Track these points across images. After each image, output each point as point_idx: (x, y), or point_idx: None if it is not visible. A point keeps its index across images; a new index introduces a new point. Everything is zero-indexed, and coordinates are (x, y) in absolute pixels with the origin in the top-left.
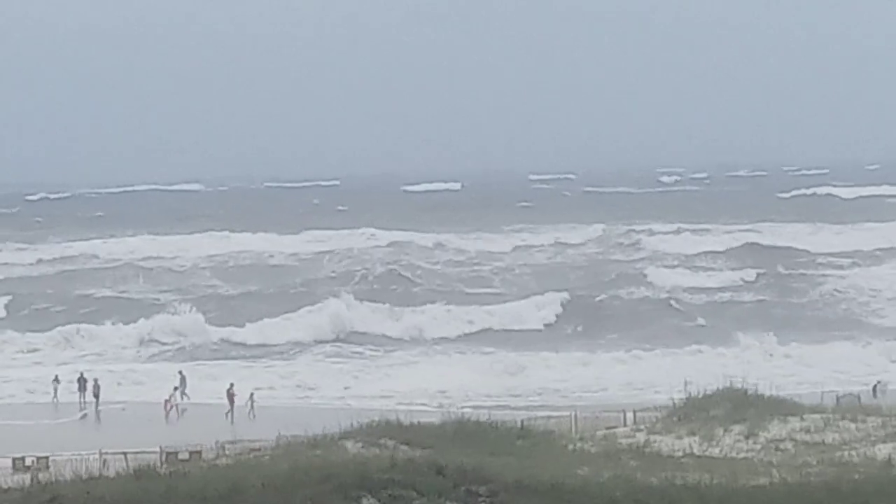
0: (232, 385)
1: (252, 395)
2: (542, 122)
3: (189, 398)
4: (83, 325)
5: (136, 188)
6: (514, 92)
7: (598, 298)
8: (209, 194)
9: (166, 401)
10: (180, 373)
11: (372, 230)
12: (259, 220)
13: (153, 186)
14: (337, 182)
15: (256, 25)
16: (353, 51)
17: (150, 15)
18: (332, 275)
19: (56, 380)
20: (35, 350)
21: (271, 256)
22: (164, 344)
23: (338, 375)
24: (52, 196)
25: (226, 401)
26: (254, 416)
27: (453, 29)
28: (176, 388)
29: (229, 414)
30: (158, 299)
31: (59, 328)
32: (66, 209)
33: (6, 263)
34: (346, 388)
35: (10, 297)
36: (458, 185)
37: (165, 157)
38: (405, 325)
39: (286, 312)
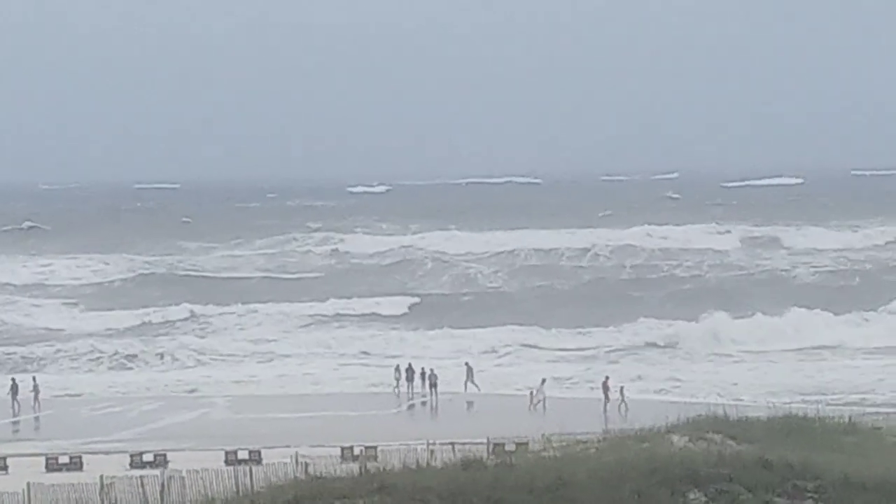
0: (607, 378)
1: (622, 388)
2: None
3: (479, 388)
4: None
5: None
6: None
7: None
8: (548, 187)
9: (532, 392)
10: (466, 364)
11: None
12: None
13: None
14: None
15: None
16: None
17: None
18: None
19: (397, 369)
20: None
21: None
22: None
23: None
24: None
25: (601, 393)
26: (626, 409)
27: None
28: (542, 383)
29: (604, 405)
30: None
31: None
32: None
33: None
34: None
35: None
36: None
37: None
38: None
39: None
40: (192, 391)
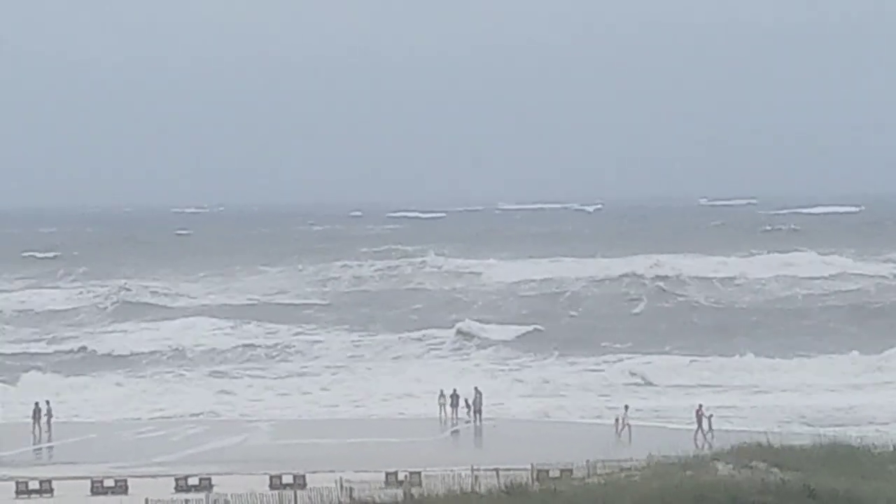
0: (701, 406)
1: (711, 416)
2: None
3: (480, 415)
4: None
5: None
6: None
7: None
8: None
9: (617, 419)
10: (476, 389)
11: None
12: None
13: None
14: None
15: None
16: None
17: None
18: None
19: (441, 395)
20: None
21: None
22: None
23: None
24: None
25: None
26: (712, 437)
27: None
28: (626, 410)
29: (697, 433)
30: None
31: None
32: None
33: None
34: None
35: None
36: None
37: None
38: None
39: None
40: (239, 415)
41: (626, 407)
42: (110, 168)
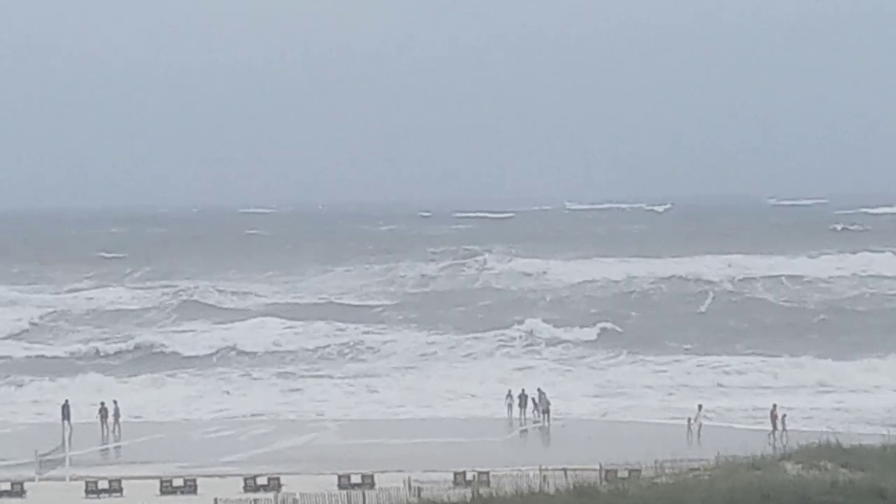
0: (775, 406)
1: (784, 416)
2: None
3: (549, 415)
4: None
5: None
6: None
7: None
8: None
9: (690, 419)
10: (539, 389)
11: None
12: None
13: None
14: None
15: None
16: None
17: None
18: None
19: (509, 395)
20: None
21: None
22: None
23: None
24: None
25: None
26: (786, 438)
27: None
28: (700, 409)
29: (771, 433)
30: None
31: None
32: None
33: None
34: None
35: None
36: None
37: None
38: None
39: None
40: (307, 415)
41: (700, 406)
42: (179, 170)
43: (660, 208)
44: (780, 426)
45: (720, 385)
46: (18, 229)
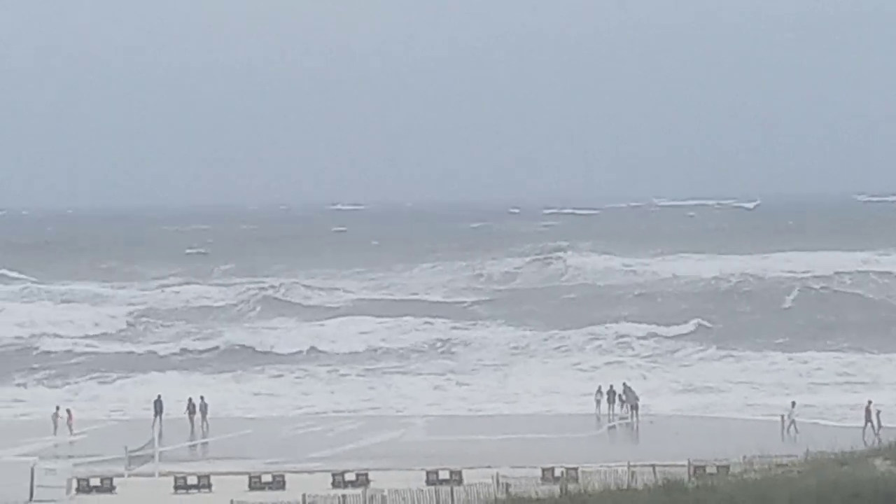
0: (870, 402)
1: (879, 412)
2: None
3: (637, 411)
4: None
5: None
6: None
7: None
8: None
9: (783, 416)
10: (624, 384)
11: None
12: None
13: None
14: None
15: None
16: None
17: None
18: None
19: (599, 391)
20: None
21: None
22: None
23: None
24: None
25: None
26: (881, 434)
27: None
28: (793, 406)
29: (865, 429)
30: None
31: None
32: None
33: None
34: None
35: None
36: None
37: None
38: None
39: None
40: (395, 411)
41: (793, 403)
42: (267, 167)
43: (749, 205)
44: (875, 422)
45: (810, 381)
46: (102, 227)
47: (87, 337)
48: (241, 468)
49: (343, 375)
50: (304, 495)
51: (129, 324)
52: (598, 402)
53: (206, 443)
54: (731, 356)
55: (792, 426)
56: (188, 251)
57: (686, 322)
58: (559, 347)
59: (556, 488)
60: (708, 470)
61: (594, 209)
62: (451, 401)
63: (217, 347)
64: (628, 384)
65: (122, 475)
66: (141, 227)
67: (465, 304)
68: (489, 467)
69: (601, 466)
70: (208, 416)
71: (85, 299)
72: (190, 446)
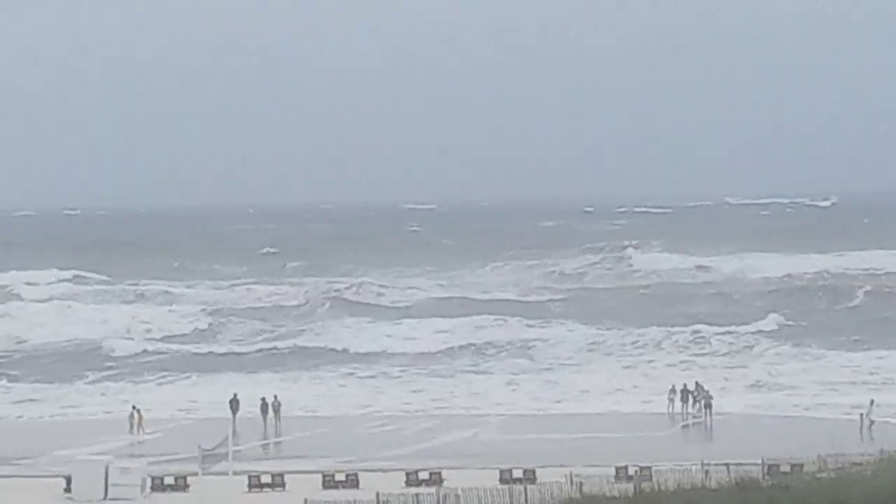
0: None
1: None
2: None
3: (710, 410)
4: None
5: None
6: None
7: None
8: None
9: (862, 414)
10: (696, 383)
11: None
12: None
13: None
14: None
15: None
16: None
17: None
18: None
19: (672, 390)
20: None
21: None
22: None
23: None
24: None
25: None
26: None
27: None
28: (871, 405)
29: None
30: None
31: None
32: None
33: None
34: None
35: None
36: None
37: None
38: None
39: None
40: (469, 410)
41: (872, 402)
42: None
43: (825, 203)
44: None
45: (887, 379)
46: (171, 226)
47: (160, 337)
48: (314, 467)
49: (416, 374)
50: (377, 494)
51: (201, 324)
52: (672, 400)
53: (280, 442)
54: (807, 353)
55: (871, 425)
56: (263, 251)
57: (762, 318)
58: (635, 343)
59: (630, 487)
60: (782, 469)
61: (666, 208)
62: (525, 399)
63: (290, 347)
64: (701, 383)
65: (195, 474)
66: (206, 226)
67: (540, 303)
68: (562, 466)
69: (675, 465)
70: (282, 414)
71: (158, 298)
72: (263, 445)
